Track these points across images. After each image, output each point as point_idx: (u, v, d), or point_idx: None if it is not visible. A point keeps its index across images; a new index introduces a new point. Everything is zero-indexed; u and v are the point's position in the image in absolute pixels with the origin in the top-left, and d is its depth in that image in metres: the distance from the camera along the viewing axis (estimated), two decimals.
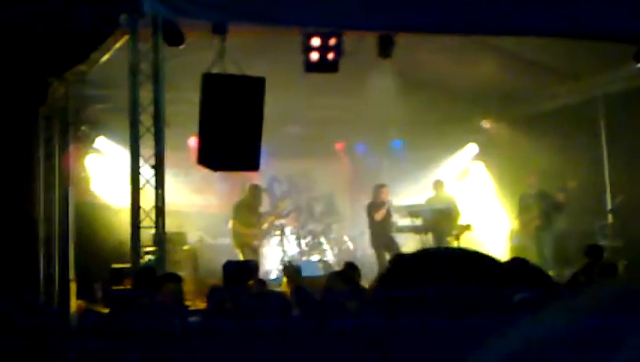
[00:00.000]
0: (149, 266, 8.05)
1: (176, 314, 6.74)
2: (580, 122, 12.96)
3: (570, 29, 8.80)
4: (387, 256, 12.42)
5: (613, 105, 12.48)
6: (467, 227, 12.89)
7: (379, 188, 13.05)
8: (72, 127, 10.92)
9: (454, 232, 12.65)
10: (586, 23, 8.62)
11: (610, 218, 12.70)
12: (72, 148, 10.92)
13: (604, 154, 12.86)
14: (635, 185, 11.94)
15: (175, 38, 8.16)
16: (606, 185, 12.85)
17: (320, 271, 12.26)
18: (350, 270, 8.42)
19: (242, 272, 8.15)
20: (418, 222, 12.79)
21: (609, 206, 12.74)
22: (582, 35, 9.06)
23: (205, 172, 9.93)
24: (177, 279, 7.12)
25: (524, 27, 8.76)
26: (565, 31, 8.88)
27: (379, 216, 12.73)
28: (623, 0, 8.44)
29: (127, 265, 8.87)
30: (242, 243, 12.41)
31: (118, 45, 8.49)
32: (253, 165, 8.43)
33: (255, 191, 12.93)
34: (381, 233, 12.79)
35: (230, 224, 12.59)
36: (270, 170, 13.94)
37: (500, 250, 13.86)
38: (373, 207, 12.87)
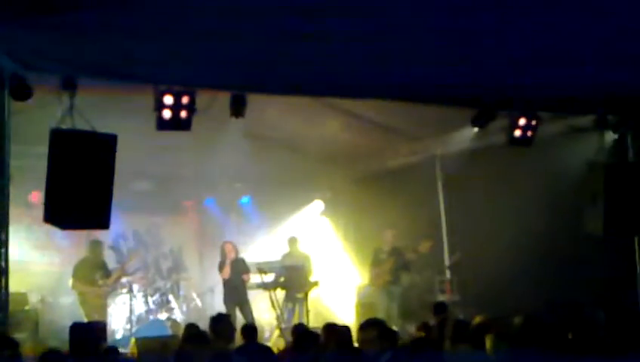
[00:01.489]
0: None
1: None
2: (420, 181, 13.40)
3: (410, 94, 9.25)
4: (237, 313, 12.40)
5: (449, 165, 13.15)
6: (315, 283, 13.14)
7: (223, 245, 13.11)
8: None
9: (305, 288, 12.84)
10: (426, 88, 9.08)
11: (447, 274, 13.29)
12: None
13: (442, 213, 13.50)
14: (471, 242, 12.62)
15: (22, 93, 7.88)
16: (444, 241, 13.48)
17: (168, 331, 12.01)
18: (193, 328, 8.42)
19: (90, 335, 7.92)
20: (267, 278, 12.87)
21: (447, 262, 13.35)
22: (423, 99, 9.52)
23: (47, 228, 9.59)
24: (14, 345, 6.80)
25: (368, 90, 9.13)
26: (406, 95, 9.32)
27: (223, 274, 12.79)
28: (463, 66, 8.93)
29: None
30: (86, 302, 12.01)
31: None
32: (103, 223, 8.22)
33: (95, 247, 12.54)
34: (232, 289, 12.76)
35: (70, 283, 12.16)
36: (116, 225, 13.58)
37: (348, 306, 14.17)
38: (221, 265, 12.91)
